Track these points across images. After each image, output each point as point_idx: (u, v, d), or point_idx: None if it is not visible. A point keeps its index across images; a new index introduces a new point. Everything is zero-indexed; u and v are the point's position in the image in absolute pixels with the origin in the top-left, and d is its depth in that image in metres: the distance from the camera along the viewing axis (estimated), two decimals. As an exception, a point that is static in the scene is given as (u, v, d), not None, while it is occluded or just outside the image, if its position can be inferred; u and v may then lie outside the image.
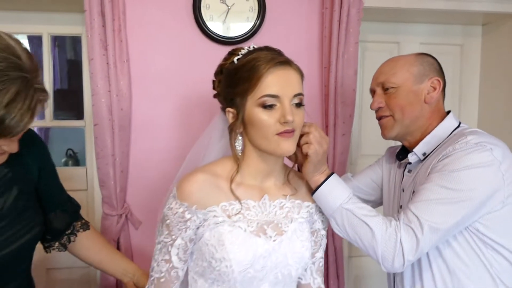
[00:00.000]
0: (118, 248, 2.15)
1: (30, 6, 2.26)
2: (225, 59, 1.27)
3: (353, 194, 1.30)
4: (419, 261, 1.41)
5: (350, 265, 2.68)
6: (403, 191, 1.51)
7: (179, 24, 2.21)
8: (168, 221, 1.18)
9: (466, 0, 2.41)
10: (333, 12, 2.20)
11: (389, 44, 2.67)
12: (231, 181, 1.20)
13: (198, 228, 1.18)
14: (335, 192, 1.27)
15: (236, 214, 1.18)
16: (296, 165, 1.36)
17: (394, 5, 2.36)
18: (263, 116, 1.14)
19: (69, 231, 1.58)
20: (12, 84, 1.07)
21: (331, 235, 2.27)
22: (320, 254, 1.35)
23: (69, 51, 2.89)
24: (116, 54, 2.07)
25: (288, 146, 1.15)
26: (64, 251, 1.59)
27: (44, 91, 1.16)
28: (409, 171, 1.50)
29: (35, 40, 2.95)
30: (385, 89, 1.50)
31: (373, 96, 1.56)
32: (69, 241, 1.58)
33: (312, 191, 1.29)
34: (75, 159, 4.01)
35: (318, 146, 1.22)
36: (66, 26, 2.36)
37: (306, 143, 1.23)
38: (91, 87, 2.07)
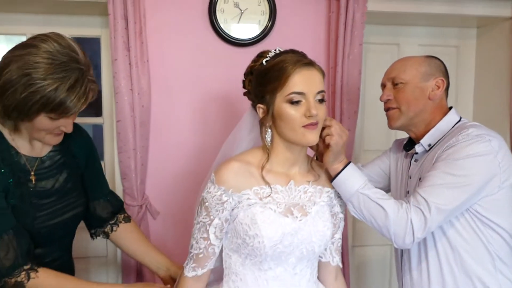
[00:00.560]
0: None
1: (53, 10, 2.36)
2: (254, 61, 1.41)
3: (368, 181, 1.46)
4: (424, 240, 1.56)
5: (353, 254, 2.79)
6: (410, 178, 1.66)
7: (196, 27, 2.33)
8: (206, 204, 1.32)
9: (461, 5, 2.53)
10: (339, 16, 2.33)
11: (389, 46, 2.79)
12: (262, 168, 1.34)
13: (233, 209, 1.32)
14: (352, 179, 1.41)
15: (266, 197, 1.32)
16: (315, 156, 1.52)
17: (395, 9, 2.48)
18: (290, 110, 1.28)
19: (113, 222, 1.75)
20: (73, 74, 1.31)
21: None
22: (339, 235, 1.50)
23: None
24: (138, 55, 2.19)
25: (313, 136, 1.30)
26: (107, 239, 1.78)
27: (94, 82, 1.39)
28: (416, 160, 1.66)
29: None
30: (395, 84, 1.65)
31: (383, 90, 1.71)
32: (112, 230, 1.75)
33: (331, 178, 1.44)
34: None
35: (339, 137, 1.37)
36: (86, 28, 2.46)
37: (328, 134, 1.38)
38: (114, 86, 2.19)
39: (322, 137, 1.39)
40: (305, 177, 1.42)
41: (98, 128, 2.81)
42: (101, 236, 1.77)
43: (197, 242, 1.36)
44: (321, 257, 1.49)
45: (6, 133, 1.44)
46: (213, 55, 2.36)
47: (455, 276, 1.52)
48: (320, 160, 1.48)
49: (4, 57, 1.32)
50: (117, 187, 2.34)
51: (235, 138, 1.49)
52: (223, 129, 2.36)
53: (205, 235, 1.34)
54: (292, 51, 1.35)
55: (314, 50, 2.42)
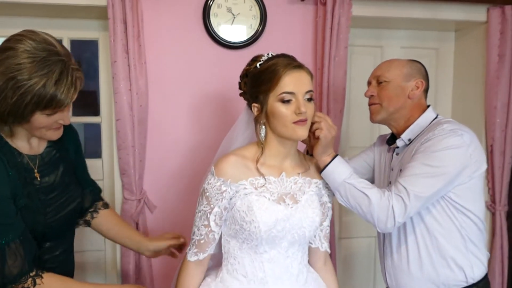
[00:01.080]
0: (137, 229, 2.36)
1: (52, 13, 2.45)
2: (249, 64, 1.54)
3: (353, 171, 1.60)
4: (404, 226, 1.71)
5: (340, 246, 2.90)
6: (392, 170, 1.81)
7: (191, 30, 2.44)
8: (207, 193, 1.45)
9: (440, 10, 2.66)
10: (326, 20, 2.45)
11: (373, 48, 2.91)
12: (257, 161, 1.48)
13: (231, 198, 1.46)
14: (339, 170, 1.56)
15: (261, 187, 1.46)
16: (306, 150, 1.66)
17: (378, 14, 2.61)
18: (282, 109, 1.42)
19: (92, 209, 1.80)
20: (56, 67, 1.32)
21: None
22: (327, 223, 1.63)
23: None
24: (136, 57, 2.30)
25: (302, 132, 1.44)
26: (89, 227, 1.81)
27: (79, 70, 1.40)
28: (397, 154, 1.81)
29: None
30: (379, 82, 1.80)
31: (368, 87, 1.86)
32: (92, 218, 1.79)
33: (321, 169, 1.58)
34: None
35: (328, 131, 1.51)
36: (85, 31, 2.56)
37: (318, 128, 1.52)
38: (113, 86, 2.29)
39: (312, 131, 1.53)
40: (295, 169, 1.55)
41: (91, 127, 2.91)
42: (82, 225, 1.80)
43: (198, 229, 1.49)
44: (311, 243, 1.62)
45: (6, 136, 1.46)
46: (207, 57, 2.47)
47: (432, 258, 1.67)
48: (310, 153, 1.62)
49: None
50: (116, 183, 2.44)
51: (232, 135, 1.62)
52: (216, 127, 2.48)
53: (206, 223, 1.47)
54: (283, 55, 1.48)
55: (302, 53, 2.54)
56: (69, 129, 1.63)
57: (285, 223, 1.45)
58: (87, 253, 2.63)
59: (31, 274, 1.40)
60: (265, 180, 1.47)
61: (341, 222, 2.90)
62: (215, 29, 2.44)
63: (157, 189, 2.49)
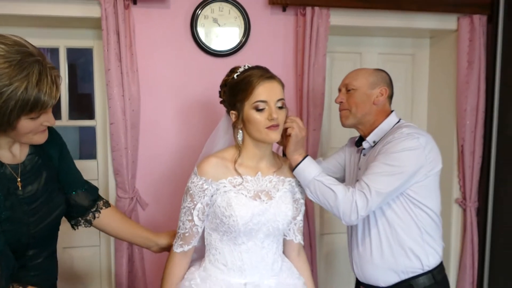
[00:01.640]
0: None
1: (49, 23, 2.59)
2: (228, 75, 1.69)
3: (322, 170, 1.76)
4: (368, 220, 1.88)
5: (321, 242, 3.05)
6: (359, 169, 1.97)
7: (179, 40, 2.58)
8: (191, 191, 1.62)
9: (415, 19, 2.80)
10: (305, 30, 2.60)
11: (353, 54, 3.05)
12: (235, 162, 1.64)
13: (212, 195, 1.62)
14: (309, 169, 1.72)
15: (239, 185, 1.62)
16: (282, 152, 1.82)
17: (355, 23, 2.75)
18: (256, 115, 1.58)
19: (94, 209, 1.78)
20: (33, 68, 1.28)
21: (305, 216, 2.56)
22: (300, 217, 1.79)
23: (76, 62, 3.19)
24: (128, 65, 2.45)
25: (275, 135, 1.60)
26: (90, 226, 1.79)
27: (54, 68, 1.35)
28: (364, 155, 1.97)
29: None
30: (348, 90, 1.96)
31: (339, 93, 2.02)
32: (94, 217, 1.78)
33: (293, 168, 1.75)
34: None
35: (298, 130, 1.68)
36: (80, 40, 2.71)
37: (290, 127, 1.68)
38: (107, 92, 2.44)
39: (285, 134, 1.70)
40: (270, 169, 1.72)
41: (86, 130, 3.04)
42: (83, 225, 1.78)
43: (183, 224, 1.65)
44: (286, 236, 1.78)
45: None
46: (195, 65, 2.61)
47: (392, 248, 1.84)
48: (284, 152, 1.79)
49: None
50: (110, 182, 2.59)
51: (214, 139, 1.78)
52: (203, 130, 2.63)
53: (189, 218, 1.64)
54: (257, 67, 1.65)
55: (284, 60, 2.68)
56: (50, 133, 1.53)
57: (261, 217, 1.61)
58: (83, 249, 2.79)
59: None
60: (243, 179, 1.63)
61: (322, 218, 3.02)
62: (202, 39, 2.58)
63: (149, 188, 2.64)
